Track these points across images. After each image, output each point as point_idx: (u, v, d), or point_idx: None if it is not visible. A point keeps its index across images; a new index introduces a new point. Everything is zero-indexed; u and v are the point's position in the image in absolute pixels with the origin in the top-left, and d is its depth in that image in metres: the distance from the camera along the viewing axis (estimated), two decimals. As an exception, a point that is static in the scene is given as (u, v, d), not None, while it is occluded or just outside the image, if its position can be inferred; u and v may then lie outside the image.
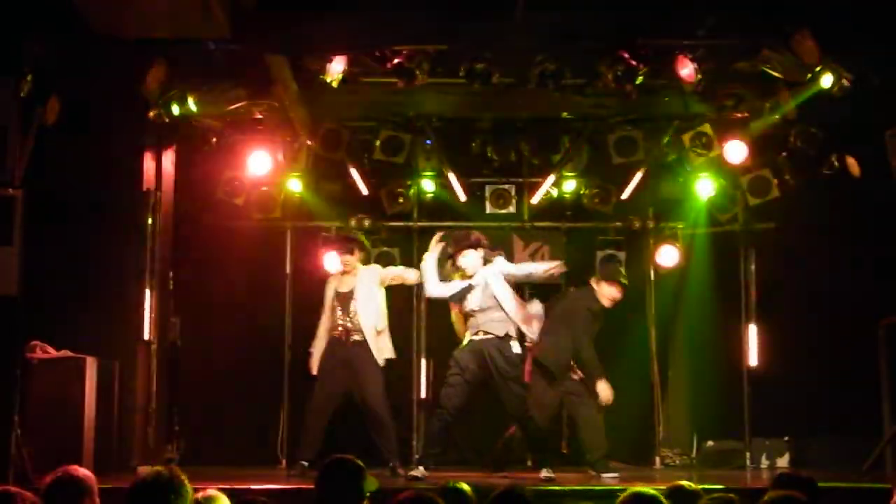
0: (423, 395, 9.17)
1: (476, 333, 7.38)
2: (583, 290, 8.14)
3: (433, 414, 7.52)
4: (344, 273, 8.00)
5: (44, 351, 7.23)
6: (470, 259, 7.46)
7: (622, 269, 8.35)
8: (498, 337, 7.33)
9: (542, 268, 7.69)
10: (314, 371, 7.91)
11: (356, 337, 7.79)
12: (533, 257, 9.50)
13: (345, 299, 7.87)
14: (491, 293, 7.38)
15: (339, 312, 7.87)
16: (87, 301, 7.58)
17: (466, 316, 7.48)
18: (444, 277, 7.58)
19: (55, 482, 3.46)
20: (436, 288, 7.53)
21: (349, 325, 7.82)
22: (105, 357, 7.48)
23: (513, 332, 7.39)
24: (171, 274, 8.64)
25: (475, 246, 7.49)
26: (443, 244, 7.61)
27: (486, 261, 7.54)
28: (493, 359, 7.27)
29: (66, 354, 7.27)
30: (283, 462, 8.81)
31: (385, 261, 9.33)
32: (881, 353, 7.72)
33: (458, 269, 7.49)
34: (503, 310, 7.35)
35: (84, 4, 6.50)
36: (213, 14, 6.61)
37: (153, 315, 8.09)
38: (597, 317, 7.94)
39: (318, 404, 7.79)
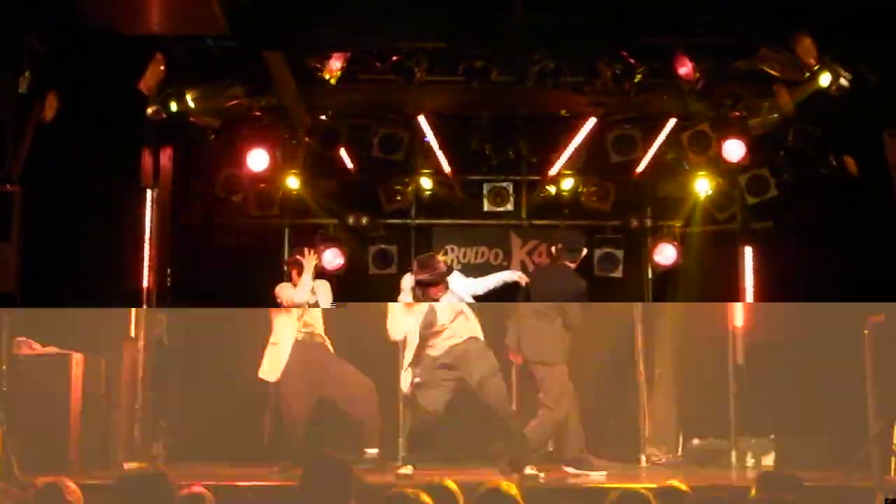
0: (406, 390, 9.15)
1: (448, 340, 7.21)
2: (564, 270, 7.68)
3: (416, 414, 7.39)
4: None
5: (30, 347, 7.23)
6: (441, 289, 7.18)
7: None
8: (469, 339, 7.20)
9: (500, 279, 7.52)
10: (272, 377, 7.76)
11: (318, 340, 7.77)
12: (531, 255, 9.51)
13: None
14: (452, 306, 7.19)
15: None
16: (82, 298, 7.57)
17: (436, 332, 7.21)
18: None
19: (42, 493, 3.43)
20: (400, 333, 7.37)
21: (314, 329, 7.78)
22: (93, 354, 7.47)
23: (480, 335, 7.26)
24: (168, 271, 8.65)
25: (448, 273, 7.25)
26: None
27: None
28: (469, 360, 7.14)
29: (53, 351, 7.28)
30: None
31: (383, 258, 9.38)
32: (867, 351, 7.70)
33: (428, 296, 7.16)
34: (467, 318, 7.21)
35: (83, 1, 6.52)
36: (212, 11, 6.62)
37: (141, 312, 8.08)
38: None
39: (292, 407, 7.62)
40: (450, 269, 7.33)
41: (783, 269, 9.08)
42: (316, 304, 7.77)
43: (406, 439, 7.55)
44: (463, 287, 7.44)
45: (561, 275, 7.60)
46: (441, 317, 7.19)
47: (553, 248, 7.94)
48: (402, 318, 7.29)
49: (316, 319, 7.79)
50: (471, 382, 7.15)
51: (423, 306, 7.16)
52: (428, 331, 7.18)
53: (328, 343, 7.82)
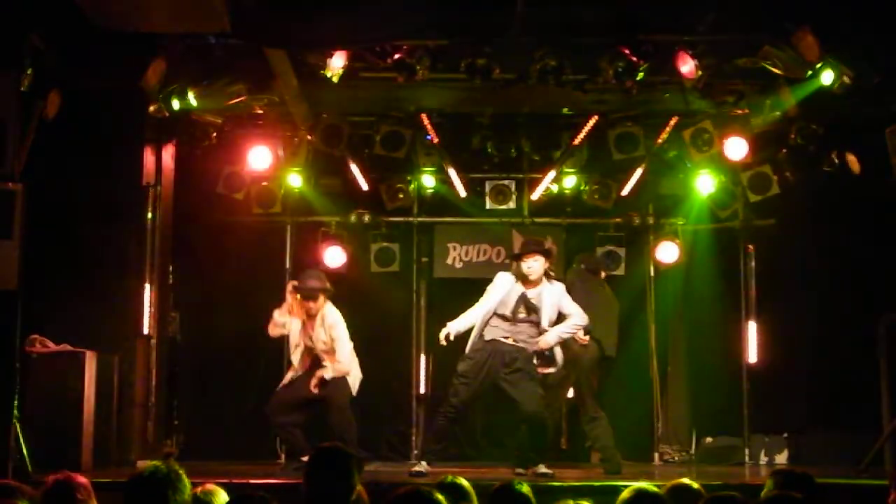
0: (422, 390, 9.18)
1: (504, 336, 7.21)
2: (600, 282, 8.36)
3: (437, 410, 7.37)
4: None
5: (43, 345, 7.24)
6: (537, 265, 7.22)
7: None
8: (520, 348, 7.19)
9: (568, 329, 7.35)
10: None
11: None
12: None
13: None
14: (535, 307, 7.20)
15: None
16: (86, 295, 7.58)
17: (497, 317, 7.22)
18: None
19: (52, 488, 3.43)
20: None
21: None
22: (105, 351, 7.50)
23: (531, 348, 7.24)
24: (170, 268, 8.64)
25: (546, 254, 7.33)
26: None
27: (548, 274, 7.32)
28: (512, 361, 7.14)
29: (66, 348, 7.28)
30: (283, 457, 8.81)
31: (385, 256, 9.36)
32: (880, 349, 7.72)
33: (521, 272, 7.23)
34: (538, 328, 7.20)
35: (85, -1, 6.50)
36: (214, 8, 6.61)
37: (152, 309, 8.09)
38: None
39: (283, 405, 7.66)
40: (549, 252, 7.47)
41: (785, 266, 9.09)
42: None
43: (422, 434, 7.53)
44: (559, 298, 7.31)
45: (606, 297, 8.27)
46: (509, 305, 7.18)
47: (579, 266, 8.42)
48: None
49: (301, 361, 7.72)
50: (498, 379, 7.17)
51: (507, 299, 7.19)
52: (496, 315, 7.19)
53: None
